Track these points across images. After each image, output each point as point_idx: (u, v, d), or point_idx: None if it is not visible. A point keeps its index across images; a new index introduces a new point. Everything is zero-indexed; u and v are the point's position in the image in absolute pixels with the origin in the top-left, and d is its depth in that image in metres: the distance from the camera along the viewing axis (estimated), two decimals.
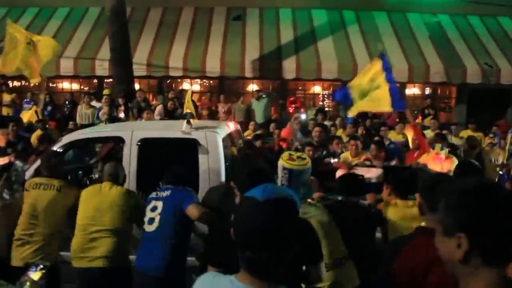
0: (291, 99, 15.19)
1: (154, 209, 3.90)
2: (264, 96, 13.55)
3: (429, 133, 9.76)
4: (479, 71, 14.41)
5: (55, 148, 5.40)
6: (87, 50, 14.63)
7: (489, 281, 1.30)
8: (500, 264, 1.29)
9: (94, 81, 15.94)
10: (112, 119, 10.78)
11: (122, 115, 11.36)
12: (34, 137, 8.29)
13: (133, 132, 5.30)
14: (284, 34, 15.49)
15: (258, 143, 7.13)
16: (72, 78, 15.50)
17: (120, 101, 11.68)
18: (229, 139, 6.05)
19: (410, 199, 3.95)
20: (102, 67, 14.17)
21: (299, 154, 3.36)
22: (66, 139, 5.63)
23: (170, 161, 4.34)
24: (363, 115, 12.75)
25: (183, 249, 3.89)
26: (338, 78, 14.46)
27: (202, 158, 5.02)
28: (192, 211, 3.77)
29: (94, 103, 12.31)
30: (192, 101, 13.25)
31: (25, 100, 13.45)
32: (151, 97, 15.32)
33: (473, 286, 1.32)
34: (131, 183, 4.99)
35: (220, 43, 15.07)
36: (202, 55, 14.61)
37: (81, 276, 4.03)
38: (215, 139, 5.15)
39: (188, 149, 5.10)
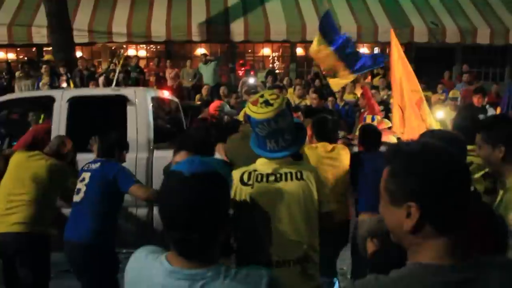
0: (240, 62, 14.97)
1: (82, 180, 3.85)
2: (211, 60, 13.28)
3: None
4: (426, 30, 14.59)
5: None
6: (22, 16, 13.76)
7: (439, 249, 1.20)
8: (450, 231, 1.20)
9: (32, 50, 15.10)
10: (54, 88, 10.25)
11: (64, 84, 10.82)
12: None
13: (64, 91, 5.46)
14: None
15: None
16: (7, 47, 14.62)
17: (61, 70, 11.12)
18: (159, 103, 6.09)
19: (329, 142, 4.20)
20: (40, 34, 13.35)
21: (273, 97, 2.51)
22: None
23: (100, 118, 4.41)
24: (313, 77, 12.73)
25: (111, 219, 3.85)
26: (286, 40, 14.33)
27: (130, 112, 5.13)
28: (137, 192, 3.74)
29: (33, 72, 11.66)
30: (139, 67, 12.96)
31: None
32: (97, 64, 14.71)
33: (422, 255, 1.21)
34: None
35: (165, 6, 14.54)
36: (147, 20, 14.07)
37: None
38: (144, 94, 5.31)
39: (117, 105, 5.16)
